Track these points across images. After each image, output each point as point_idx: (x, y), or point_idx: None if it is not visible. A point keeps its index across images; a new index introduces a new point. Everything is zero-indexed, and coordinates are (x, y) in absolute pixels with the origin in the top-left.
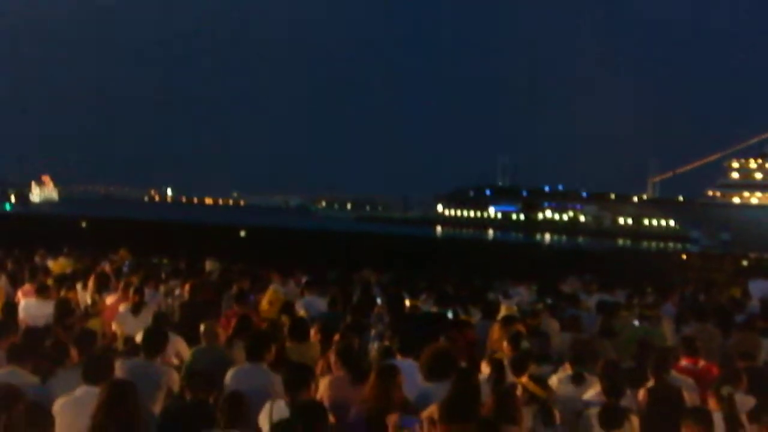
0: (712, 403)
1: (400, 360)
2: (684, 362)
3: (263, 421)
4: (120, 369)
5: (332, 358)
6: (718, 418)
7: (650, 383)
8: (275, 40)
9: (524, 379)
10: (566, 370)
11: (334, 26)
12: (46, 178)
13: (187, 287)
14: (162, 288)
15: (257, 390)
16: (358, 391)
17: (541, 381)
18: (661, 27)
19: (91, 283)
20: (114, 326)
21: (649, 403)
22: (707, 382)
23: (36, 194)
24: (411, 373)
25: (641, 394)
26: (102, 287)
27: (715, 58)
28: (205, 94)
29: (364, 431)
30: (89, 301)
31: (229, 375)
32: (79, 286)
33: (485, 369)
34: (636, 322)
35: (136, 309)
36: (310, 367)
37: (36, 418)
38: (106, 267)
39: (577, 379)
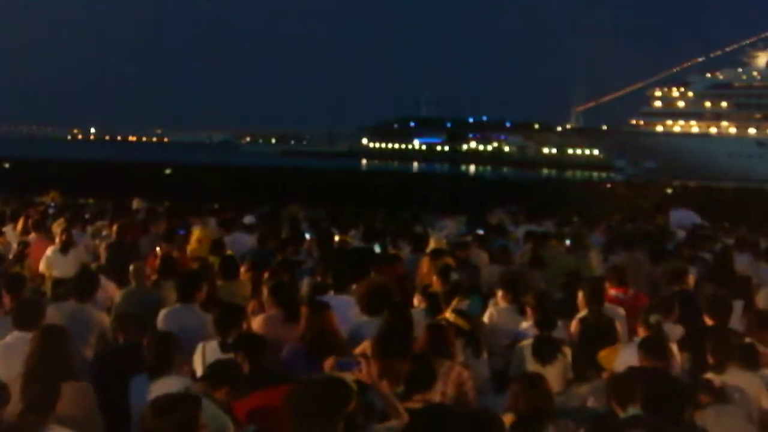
0: (641, 332)
1: (333, 296)
2: (613, 291)
3: (197, 362)
4: (52, 314)
5: (264, 295)
6: None
7: (582, 314)
8: None
9: (448, 313)
10: (499, 301)
11: None
12: None
13: (114, 228)
14: (89, 229)
15: (190, 330)
16: (292, 329)
17: (466, 314)
18: None
19: (20, 226)
20: (42, 268)
21: (582, 333)
22: (636, 311)
23: None
24: (345, 309)
25: (573, 325)
26: (34, 229)
27: None
28: (128, 30)
29: (300, 367)
30: (16, 244)
31: (160, 316)
32: (7, 229)
33: (418, 302)
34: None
35: (64, 249)
36: (241, 306)
37: None
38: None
39: (519, 311)
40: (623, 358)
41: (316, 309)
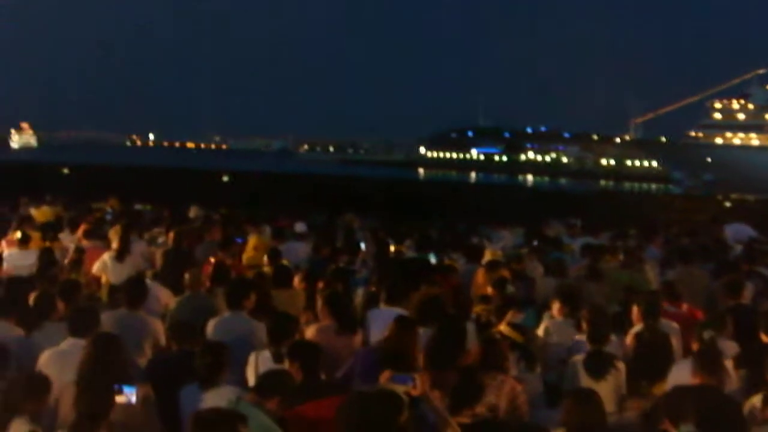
0: (694, 348)
1: (386, 308)
2: (668, 306)
3: (249, 372)
4: (106, 321)
5: (319, 305)
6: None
7: (637, 328)
8: None
9: (503, 326)
10: (554, 315)
11: None
12: (25, 125)
13: (171, 235)
14: (146, 236)
15: (239, 338)
16: (346, 339)
17: (520, 327)
18: None
19: (79, 232)
20: (97, 274)
21: (637, 348)
22: (692, 326)
23: (15, 141)
24: None
25: (628, 339)
26: (91, 235)
27: (696, 2)
28: (187, 38)
29: (368, 379)
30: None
31: (210, 325)
32: (63, 235)
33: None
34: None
35: (120, 256)
36: (293, 316)
37: (34, 386)
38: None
39: (574, 325)
40: (676, 373)
41: (404, 324)
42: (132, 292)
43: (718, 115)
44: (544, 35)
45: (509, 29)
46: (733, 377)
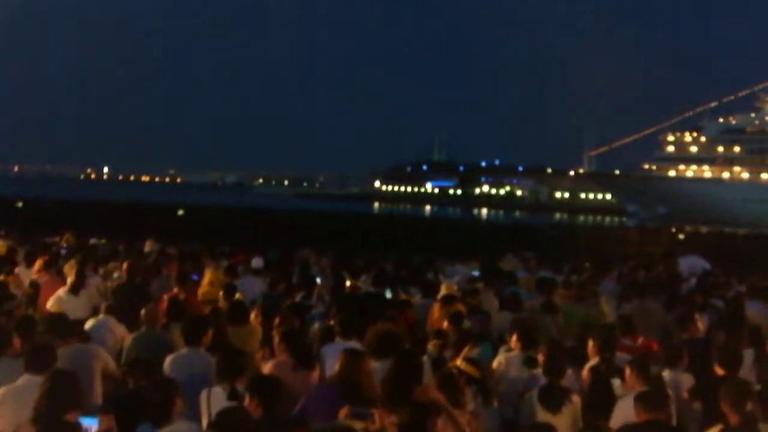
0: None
1: (341, 342)
2: (624, 340)
3: (202, 408)
4: (60, 356)
5: (275, 341)
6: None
7: (593, 362)
8: (213, 16)
9: (459, 360)
10: (512, 349)
11: (275, 8)
12: None
13: (124, 268)
14: (101, 270)
15: (198, 375)
16: (303, 375)
17: (476, 362)
18: (594, 3)
19: (36, 266)
20: (53, 309)
21: (592, 382)
22: (647, 359)
23: None
24: None
25: (584, 373)
26: (46, 269)
27: (651, 32)
28: (140, 70)
29: (322, 413)
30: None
31: (167, 361)
32: (19, 270)
33: (432, 348)
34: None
35: (75, 290)
36: (245, 352)
37: None
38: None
39: (529, 363)
40: (621, 410)
41: (354, 356)
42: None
43: (671, 148)
44: (498, 69)
45: (463, 63)
46: (690, 409)
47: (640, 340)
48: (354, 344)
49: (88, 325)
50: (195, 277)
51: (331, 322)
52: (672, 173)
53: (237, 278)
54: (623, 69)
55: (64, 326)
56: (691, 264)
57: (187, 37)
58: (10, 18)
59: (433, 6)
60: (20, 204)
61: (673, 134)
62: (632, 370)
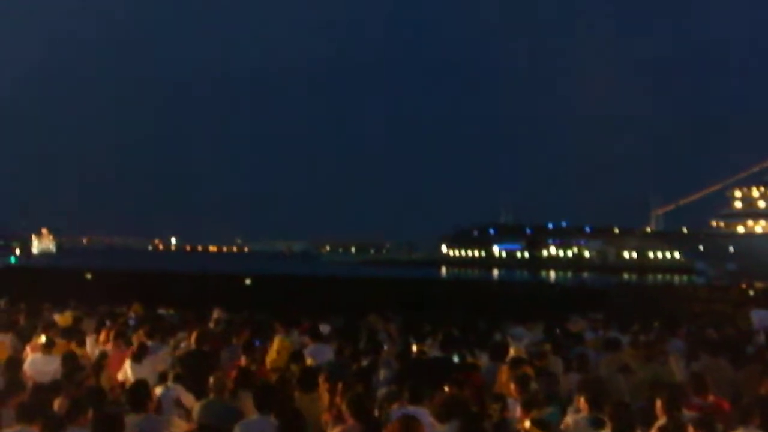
0: None
1: (409, 408)
2: (694, 399)
3: None
4: (129, 426)
5: (343, 407)
6: None
7: (661, 422)
8: (277, 82)
9: (527, 423)
10: (580, 410)
11: (332, 70)
12: (44, 231)
13: (193, 336)
14: (171, 341)
15: None
16: None
17: (544, 424)
18: (656, 63)
19: (102, 337)
20: (121, 378)
21: None
22: (718, 418)
23: (35, 246)
24: (421, 420)
25: None
26: (114, 340)
27: (712, 89)
28: (204, 140)
29: None
30: (97, 354)
31: (237, 429)
32: (89, 340)
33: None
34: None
35: (138, 358)
36: (302, 415)
37: None
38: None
39: (597, 424)
40: None
41: (407, 424)
42: (136, 394)
43: (738, 204)
44: (563, 130)
45: (528, 125)
46: None
47: (711, 399)
48: (421, 410)
49: (157, 393)
50: (257, 343)
51: (396, 388)
52: (740, 229)
53: (310, 343)
54: (689, 125)
55: (133, 396)
56: (762, 317)
57: (247, 102)
58: (68, 96)
59: (495, 68)
60: (89, 275)
61: (741, 189)
62: (697, 430)
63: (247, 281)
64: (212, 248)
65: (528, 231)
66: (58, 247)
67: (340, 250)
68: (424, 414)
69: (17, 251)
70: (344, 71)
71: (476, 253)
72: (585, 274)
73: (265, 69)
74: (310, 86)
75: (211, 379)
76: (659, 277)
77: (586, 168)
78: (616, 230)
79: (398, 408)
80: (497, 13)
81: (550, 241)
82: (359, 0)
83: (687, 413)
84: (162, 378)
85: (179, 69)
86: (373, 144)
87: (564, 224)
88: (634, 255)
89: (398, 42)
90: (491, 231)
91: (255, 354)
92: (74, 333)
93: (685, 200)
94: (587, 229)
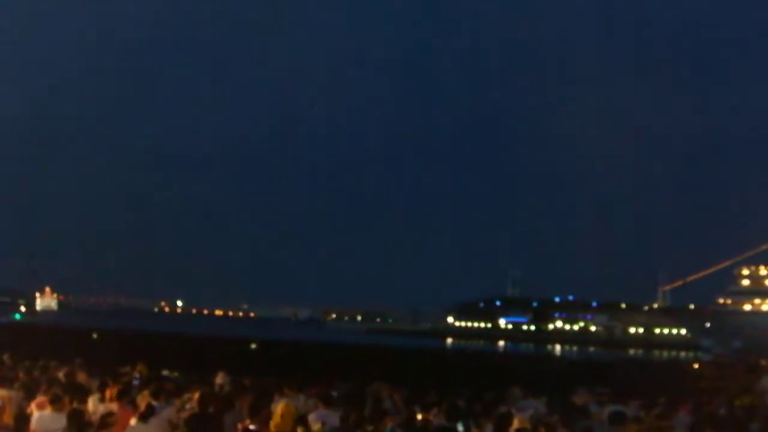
0: None
1: None
2: None
3: None
4: None
5: None
6: None
7: None
8: (284, 150)
9: None
10: None
11: (340, 139)
12: (47, 289)
13: (196, 398)
14: (176, 402)
15: None
16: None
17: None
18: (665, 139)
19: (108, 396)
20: None
21: None
22: None
23: (38, 304)
24: None
25: None
26: (118, 399)
27: (721, 165)
28: (213, 205)
29: None
30: (102, 412)
31: None
32: (92, 399)
33: None
34: None
35: (144, 418)
36: None
37: None
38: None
39: None
40: None
41: None
42: None
43: (746, 282)
44: (570, 206)
45: (536, 199)
46: None
47: None
48: None
49: None
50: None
51: None
52: (747, 307)
53: (316, 409)
54: (697, 204)
55: None
56: None
57: (253, 169)
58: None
59: (504, 143)
60: (95, 335)
61: (748, 268)
62: None
63: (253, 345)
64: (218, 312)
65: (534, 304)
66: (62, 305)
67: (346, 318)
68: None
69: (22, 308)
70: (346, 140)
71: (482, 325)
72: (591, 349)
73: (274, 136)
74: (312, 158)
75: None
76: (665, 353)
77: (594, 243)
78: (623, 305)
79: None
80: (497, 91)
81: (557, 314)
82: (366, 83)
83: None
84: None
85: (188, 138)
86: (382, 214)
87: (571, 298)
88: (641, 331)
89: (404, 119)
90: (498, 303)
91: (260, 417)
92: (77, 390)
93: (693, 277)
94: (594, 304)
